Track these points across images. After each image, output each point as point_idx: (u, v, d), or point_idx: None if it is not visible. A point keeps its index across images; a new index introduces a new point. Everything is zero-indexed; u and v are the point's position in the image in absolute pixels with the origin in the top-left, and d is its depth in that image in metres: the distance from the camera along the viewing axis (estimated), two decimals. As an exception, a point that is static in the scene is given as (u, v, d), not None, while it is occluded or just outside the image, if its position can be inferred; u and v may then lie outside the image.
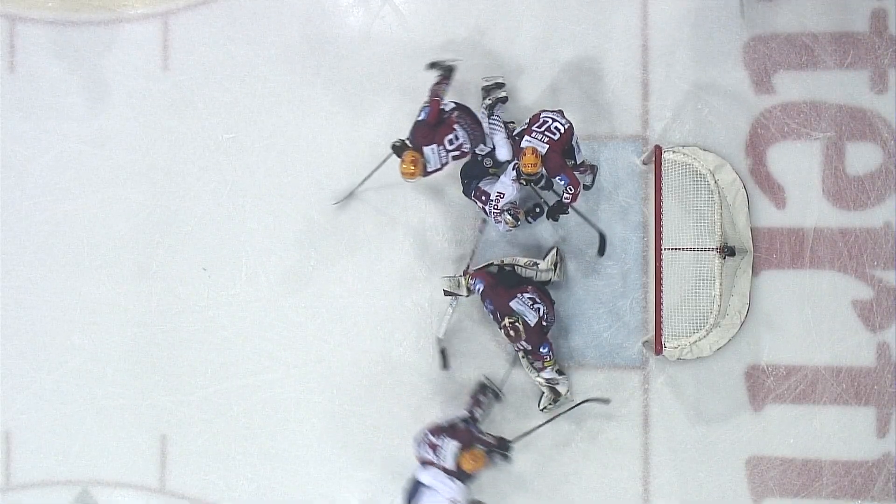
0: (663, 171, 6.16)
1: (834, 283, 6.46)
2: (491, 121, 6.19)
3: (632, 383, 6.59)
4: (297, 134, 6.80)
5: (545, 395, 6.45)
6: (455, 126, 5.94)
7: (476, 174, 6.32)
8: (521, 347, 6.12)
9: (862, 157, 6.45)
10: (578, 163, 6.12)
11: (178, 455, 6.86)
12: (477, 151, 6.18)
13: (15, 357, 6.94)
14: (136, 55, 6.92)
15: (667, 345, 6.25)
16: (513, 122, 6.37)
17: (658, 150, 6.17)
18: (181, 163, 6.87)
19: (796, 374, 6.49)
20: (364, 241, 6.74)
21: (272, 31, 6.82)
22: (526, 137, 5.87)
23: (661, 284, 6.07)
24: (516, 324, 5.91)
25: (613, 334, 6.59)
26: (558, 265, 6.46)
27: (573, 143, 5.97)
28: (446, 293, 6.41)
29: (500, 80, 6.41)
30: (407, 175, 5.88)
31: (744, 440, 6.50)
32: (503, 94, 6.26)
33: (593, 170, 6.51)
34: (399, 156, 5.90)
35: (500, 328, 6.01)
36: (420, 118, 5.94)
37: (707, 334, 6.39)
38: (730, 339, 6.46)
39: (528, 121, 6.02)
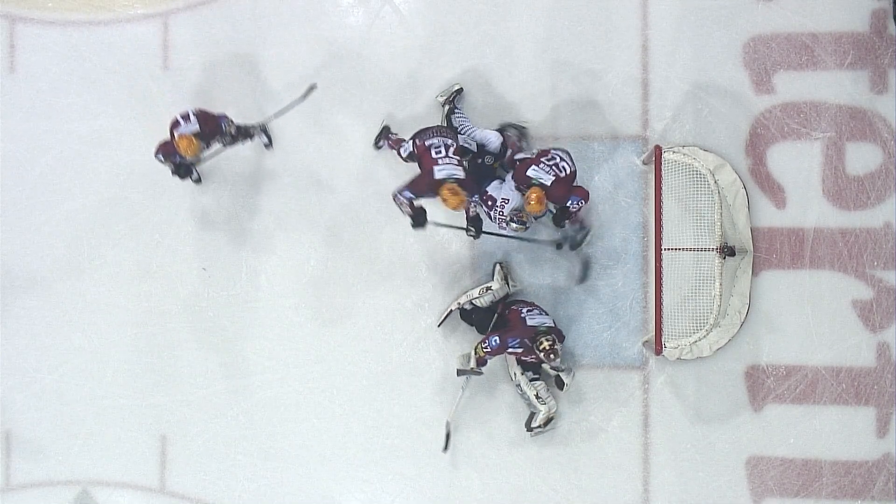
0: (663, 171, 6.16)
1: (834, 283, 6.46)
2: (456, 117, 6.27)
3: (632, 383, 6.59)
4: (296, 134, 6.80)
5: (538, 415, 6.38)
6: (426, 143, 5.90)
7: (479, 177, 6.28)
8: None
9: (862, 157, 6.45)
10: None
11: (178, 455, 6.86)
12: (467, 145, 6.18)
13: (15, 357, 6.94)
14: (136, 55, 6.92)
15: (667, 345, 6.25)
16: (525, 124, 6.45)
17: (658, 150, 6.17)
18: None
19: (796, 374, 6.49)
20: (364, 241, 6.73)
21: (272, 31, 6.82)
22: (532, 167, 5.90)
23: (661, 284, 6.07)
24: (554, 341, 5.90)
25: (613, 334, 6.59)
26: (508, 276, 6.47)
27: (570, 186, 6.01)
28: (459, 373, 6.26)
29: (456, 88, 6.48)
30: (461, 203, 5.71)
31: (744, 440, 6.50)
32: (457, 87, 6.37)
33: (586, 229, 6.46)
34: (422, 224, 5.95)
35: (538, 354, 5.91)
36: (413, 191, 5.84)
37: (707, 334, 6.38)
38: (730, 339, 6.46)
39: (534, 153, 6.06)
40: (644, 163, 6.56)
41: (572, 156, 6.05)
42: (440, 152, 5.82)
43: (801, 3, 6.51)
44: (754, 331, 6.49)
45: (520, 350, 6.05)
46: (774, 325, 6.49)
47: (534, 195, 5.84)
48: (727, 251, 6.30)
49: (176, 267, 6.86)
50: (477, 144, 6.25)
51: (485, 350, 6.01)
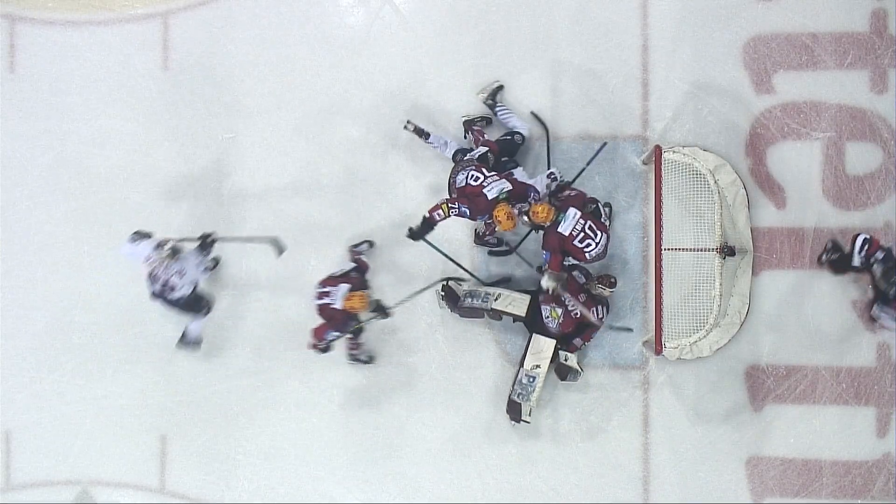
0: (663, 171, 6.16)
1: (834, 283, 6.46)
2: (499, 111, 6.38)
3: (632, 383, 6.59)
4: (296, 134, 6.81)
5: (524, 406, 6.35)
6: (457, 184, 6.03)
7: (508, 153, 6.32)
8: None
9: (862, 157, 6.46)
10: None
11: (178, 455, 6.86)
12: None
13: (15, 357, 6.94)
14: (136, 55, 6.93)
15: (667, 345, 6.25)
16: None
17: (658, 150, 6.17)
18: (181, 163, 6.87)
19: (796, 374, 6.49)
20: (364, 240, 6.73)
21: (272, 31, 6.82)
22: (578, 210, 5.89)
23: (661, 284, 6.07)
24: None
25: (614, 334, 6.58)
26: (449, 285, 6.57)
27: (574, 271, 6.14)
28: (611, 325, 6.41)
29: (496, 85, 6.51)
30: (514, 226, 5.91)
31: (744, 440, 6.51)
32: (497, 84, 6.43)
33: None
34: (421, 237, 5.97)
35: (597, 282, 6.16)
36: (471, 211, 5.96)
37: (707, 334, 6.39)
38: (730, 339, 6.46)
39: (595, 210, 6.13)
40: (644, 163, 6.56)
41: (602, 249, 6.01)
42: (476, 179, 5.95)
43: (801, 3, 6.51)
44: (754, 331, 6.49)
45: (582, 281, 6.17)
46: (774, 325, 6.50)
47: (546, 207, 5.82)
48: (727, 251, 6.31)
49: (176, 267, 6.85)
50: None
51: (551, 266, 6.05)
